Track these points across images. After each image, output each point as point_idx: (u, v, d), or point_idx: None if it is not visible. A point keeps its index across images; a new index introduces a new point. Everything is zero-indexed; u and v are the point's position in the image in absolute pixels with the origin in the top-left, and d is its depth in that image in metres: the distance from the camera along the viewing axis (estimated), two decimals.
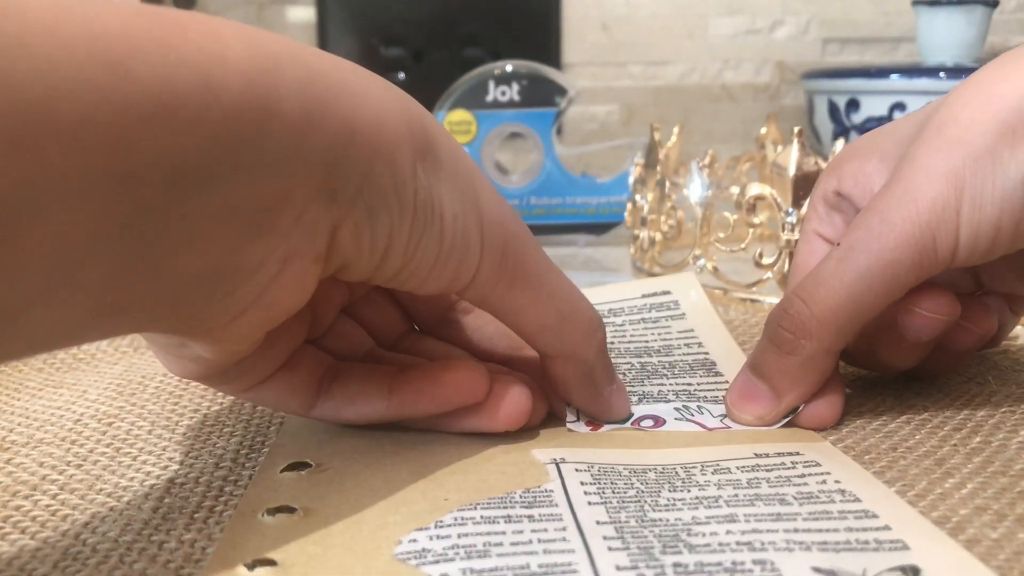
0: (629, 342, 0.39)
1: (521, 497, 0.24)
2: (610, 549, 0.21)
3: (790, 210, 0.45)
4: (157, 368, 0.36)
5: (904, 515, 0.23)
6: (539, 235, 0.67)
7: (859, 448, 0.28)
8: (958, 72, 0.69)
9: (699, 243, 0.49)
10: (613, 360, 0.36)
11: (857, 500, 0.23)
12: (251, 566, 0.21)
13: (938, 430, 0.29)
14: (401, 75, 0.85)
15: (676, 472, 0.26)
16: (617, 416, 0.30)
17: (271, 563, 0.21)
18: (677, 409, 0.31)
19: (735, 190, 0.48)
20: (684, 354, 0.37)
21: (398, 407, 0.28)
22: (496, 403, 0.28)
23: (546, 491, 0.24)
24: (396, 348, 0.31)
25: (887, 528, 0.22)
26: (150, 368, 0.36)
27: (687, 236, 0.53)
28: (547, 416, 0.30)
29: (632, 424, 0.30)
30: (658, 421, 0.30)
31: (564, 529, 0.22)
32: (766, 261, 0.46)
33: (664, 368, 0.35)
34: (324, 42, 0.85)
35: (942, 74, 0.70)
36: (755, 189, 0.46)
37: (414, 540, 0.21)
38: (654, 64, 0.87)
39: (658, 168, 0.55)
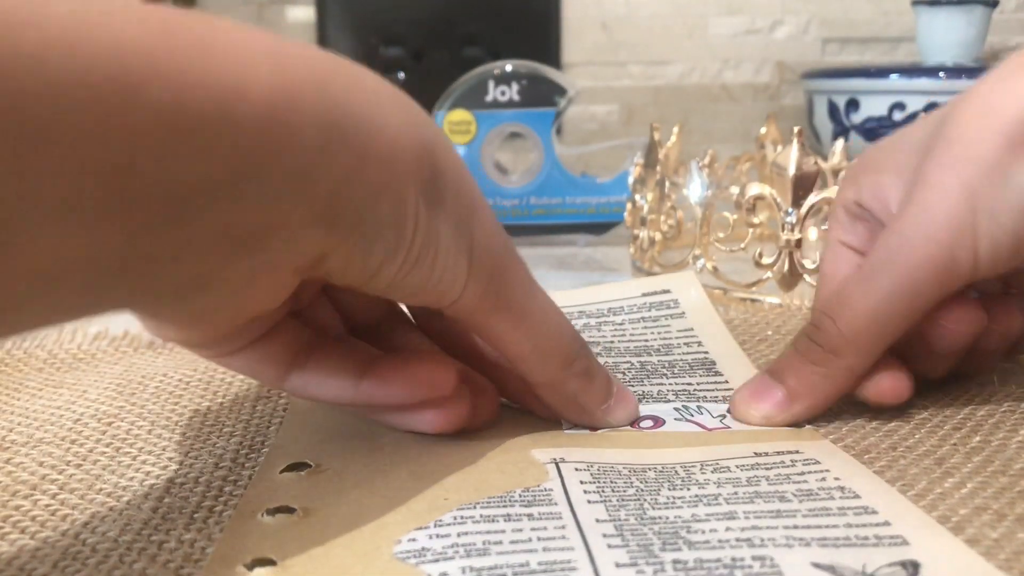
0: (629, 341, 0.39)
1: (521, 496, 0.24)
2: (610, 547, 0.21)
3: (790, 210, 0.45)
4: (157, 368, 0.36)
5: (903, 511, 0.23)
6: (539, 235, 0.68)
7: (859, 447, 0.28)
8: (958, 72, 0.69)
9: (699, 243, 0.49)
10: (613, 360, 0.36)
11: (856, 496, 0.23)
12: (250, 566, 0.21)
13: (938, 429, 0.29)
14: (401, 75, 0.85)
15: (676, 471, 0.26)
16: (617, 425, 0.30)
17: (270, 563, 0.21)
18: (677, 409, 0.31)
19: (735, 190, 0.48)
20: (684, 353, 0.37)
21: (366, 393, 0.27)
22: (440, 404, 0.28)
23: (545, 490, 0.24)
24: (376, 330, 0.30)
25: (887, 524, 0.22)
26: (150, 368, 0.37)
27: (687, 236, 0.53)
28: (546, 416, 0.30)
29: (631, 424, 0.30)
30: (657, 422, 0.30)
31: (564, 527, 0.22)
32: (766, 261, 0.46)
33: (664, 367, 0.35)
34: (324, 42, 0.85)
35: (942, 74, 0.70)
36: (755, 189, 0.46)
37: (413, 539, 0.21)
38: (654, 64, 0.87)
39: (658, 168, 0.55)
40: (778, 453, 0.27)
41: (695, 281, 0.43)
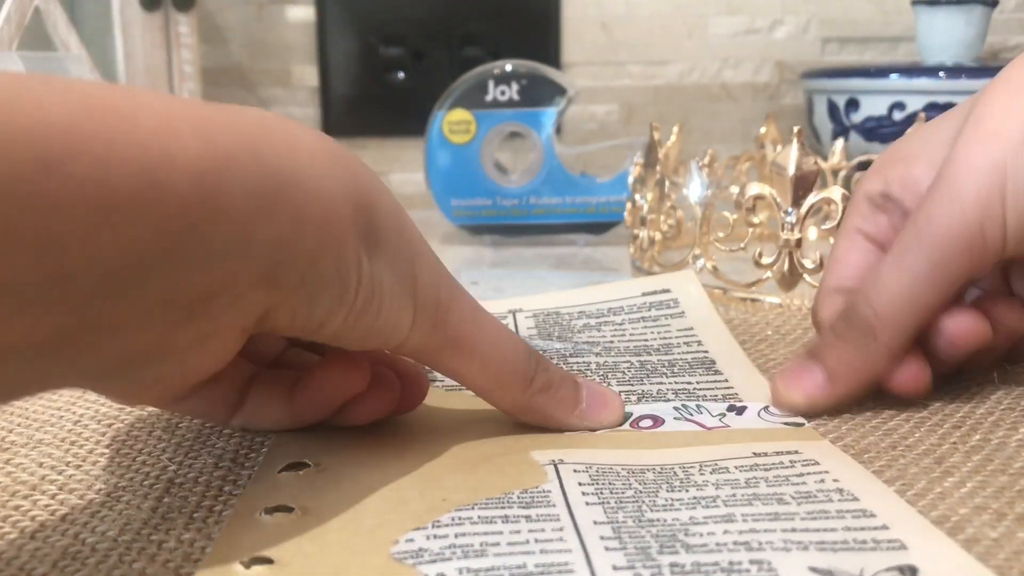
0: (629, 340, 0.39)
1: (519, 497, 0.24)
2: (607, 549, 0.21)
3: (789, 210, 0.45)
4: None
5: (902, 514, 0.23)
6: (539, 235, 0.68)
7: (858, 447, 0.28)
8: (958, 72, 0.69)
9: (699, 243, 0.49)
10: (612, 359, 0.36)
11: (855, 499, 0.23)
12: (247, 564, 0.21)
13: (937, 428, 0.29)
14: (401, 75, 0.85)
15: (674, 472, 0.26)
16: (605, 426, 0.30)
17: (267, 561, 0.21)
18: (676, 408, 0.31)
19: (735, 190, 0.48)
20: (683, 352, 0.37)
21: (298, 414, 0.28)
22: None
23: (544, 491, 0.24)
24: (295, 347, 0.30)
25: (885, 527, 0.22)
26: None
27: (687, 236, 0.52)
28: None
29: (631, 424, 0.30)
30: (657, 421, 0.30)
31: (561, 529, 0.22)
32: (765, 261, 0.46)
33: (663, 367, 0.35)
34: (324, 42, 0.85)
35: (941, 74, 0.69)
36: (754, 189, 0.46)
37: (411, 539, 0.21)
38: (653, 63, 0.87)
39: (657, 168, 0.54)
40: (777, 453, 0.27)
41: (695, 280, 0.43)
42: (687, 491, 0.24)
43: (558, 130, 0.69)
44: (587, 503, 0.23)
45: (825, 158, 0.62)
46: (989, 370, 0.33)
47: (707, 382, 0.34)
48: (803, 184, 0.45)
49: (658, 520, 0.22)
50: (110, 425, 0.30)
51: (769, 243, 0.49)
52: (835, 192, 0.44)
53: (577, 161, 0.74)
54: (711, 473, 0.25)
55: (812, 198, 0.44)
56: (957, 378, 0.33)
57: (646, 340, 0.39)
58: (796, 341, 0.40)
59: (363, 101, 0.86)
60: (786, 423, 0.30)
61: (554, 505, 0.23)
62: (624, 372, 0.35)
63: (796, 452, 0.27)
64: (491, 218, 0.68)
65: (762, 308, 0.47)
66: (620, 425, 0.30)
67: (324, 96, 0.86)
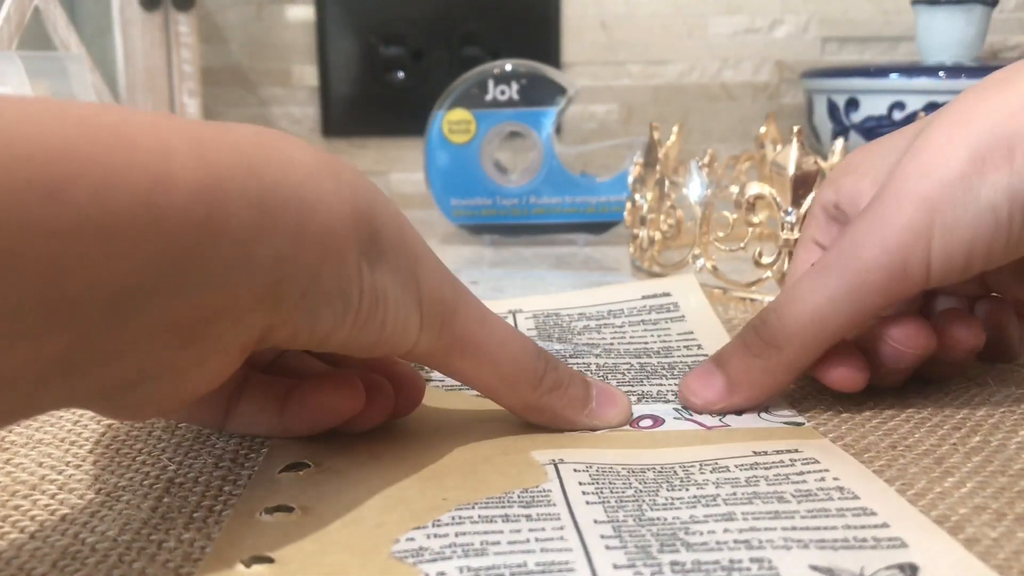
0: (629, 343, 0.39)
1: (519, 497, 0.24)
2: (607, 548, 0.21)
3: (789, 209, 0.45)
4: None
5: (902, 512, 0.23)
6: (538, 234, 0.68)
7: (858, 446, 0.28)
8: (957, 71, 0.69)
9: (698, 242, 0.49)
10: (612, 361, 0.36)
11: (855, 497, 0.23)
12: (248, 563, 0.21)
13: (938, 428, 0.29)
14: (400, 74, 0.85)
15: (675, 471, 0.26)
16: (612, 425, 0.30)
17: (268, 560, 0.21)
18: (676, 408, 0.31)
19: (734, 189, 0.48)
20: (683, 356, 0.37)
21: (288, 424, 0.28)
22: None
23: (544, 491, 0.24)
24: (288, 354, 0.30)
25: (885, 526, 0.22)
26: None
27: (686, 235, 0.52)
28: None
29: (631, 424, 0.30)
30: (657, 420, 0.30)
31: (562, 528, 0.22)
32: (765, 260, 0.46)
33: (663, 369, 0.35)
34: (324, 41, 0.85)
35: (941, 73, 0.69)
36: (754, 188, 0.46)
37: (411, 539, 0.21)
38: (653, 63, 0.87)
39: (657, 167, 0.54)
40: (777, 452, 0.27)
41: (695, 285, 0.43)
42: (687, 490, 0.24)
43: (558, 130, 0.69)
44: (587, 502, 0.23)
45: (825, 158, 0.61)
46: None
47: None
48: (803, 184, 0.45)
49: (658, 519, 0.22)
50: (110, 425, 0.30)
51: (769, 243, 0.49)
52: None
53: (577, 161, 0.74)
54: (711, 472, 0.25)
55: (812, 198, 0.44)
56: (956, 380, 0.33)
57: (646, 343, 0.39)
58: None
59: (363, 101, 0.86)
60: (786, 422, 0.30)
61: (554, 504, 0.23)
62: (624, 373, 0.35)
63: (796, 451, 0.27)
64: (491, 218, 0.68)
65: (762, 308, 0.47)
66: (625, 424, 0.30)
67: (324, 96, 0.86)
